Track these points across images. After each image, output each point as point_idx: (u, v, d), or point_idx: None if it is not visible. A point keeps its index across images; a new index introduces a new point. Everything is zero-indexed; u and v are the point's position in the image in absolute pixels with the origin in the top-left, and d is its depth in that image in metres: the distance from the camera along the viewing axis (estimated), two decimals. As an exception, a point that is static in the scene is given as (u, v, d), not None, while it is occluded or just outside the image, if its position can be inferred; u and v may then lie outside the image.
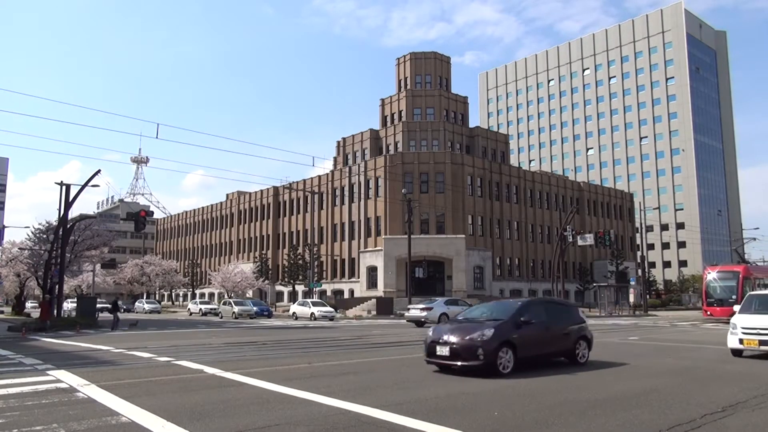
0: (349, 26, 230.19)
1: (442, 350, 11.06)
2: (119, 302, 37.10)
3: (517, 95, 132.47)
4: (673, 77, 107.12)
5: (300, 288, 61.06)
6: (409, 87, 71.50)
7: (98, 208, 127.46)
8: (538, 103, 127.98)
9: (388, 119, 72.36)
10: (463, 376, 10.55)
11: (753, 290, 31.91)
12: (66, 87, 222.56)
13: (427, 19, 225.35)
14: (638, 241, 78.91)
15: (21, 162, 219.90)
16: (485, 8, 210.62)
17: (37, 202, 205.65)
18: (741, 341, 13.36)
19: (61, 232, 30.37)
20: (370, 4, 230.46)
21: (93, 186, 30.08)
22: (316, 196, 65.43)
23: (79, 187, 30.00)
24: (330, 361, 13.69)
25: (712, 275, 35.57)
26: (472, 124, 75.02)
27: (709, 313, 34.83)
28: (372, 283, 58.89)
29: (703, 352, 16.14)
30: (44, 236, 38.77)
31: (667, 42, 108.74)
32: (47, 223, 40.11)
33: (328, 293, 61.76)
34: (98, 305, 42.55)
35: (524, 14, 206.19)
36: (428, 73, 71.87)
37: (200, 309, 52.32)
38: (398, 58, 74.31)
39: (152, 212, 35.30)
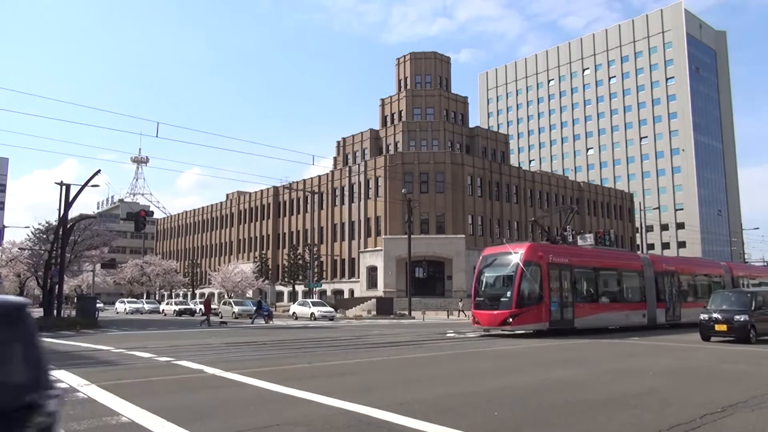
0: (349, 22, 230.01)
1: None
2: (262, 302, 40.09)
3: (517, 95, 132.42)
4: (673, 77, 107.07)
5: (300, 288, 61.06)
6: (409, 87, 71.53)
7: (98, 208, 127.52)
8: (538, 103, 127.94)
9: (388, 119, 72.39)
10: (462, 376, 10.55)
11: (549, 282, 21.72)
12: (62, 86, 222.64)
13: (429, 15, 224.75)
14: (638, 241, 78.94)
15: (16, 160, 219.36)
16: (487, 4, 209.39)
17: (33, 201, 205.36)
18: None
19: (61, 232, 30.35)
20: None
21: (93, 186, 30.09)
22: (316, 196, 65.47)
23: (79, 187, 30.00)
24: (330, 361, 13.69)
25: (485, 260, 23.50)
26: (472, 124, 75.08)
27: (476, 319, 22.57)
28: (372, 283, 58.89)
29: (702, 352, 16.16)
30: (44, 236, 38.73)
31: (667, 42, 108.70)
32: (47, 223, 40.07)
33: (328, 293, 61.75)
34: (243, 306, 42.37)
35: (527, 10, 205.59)
36: (428, 73, 71.91)
37: (200, 309, 52.38)
38: (398, 58, 74.40)
39: (152, 212, 35.33)
